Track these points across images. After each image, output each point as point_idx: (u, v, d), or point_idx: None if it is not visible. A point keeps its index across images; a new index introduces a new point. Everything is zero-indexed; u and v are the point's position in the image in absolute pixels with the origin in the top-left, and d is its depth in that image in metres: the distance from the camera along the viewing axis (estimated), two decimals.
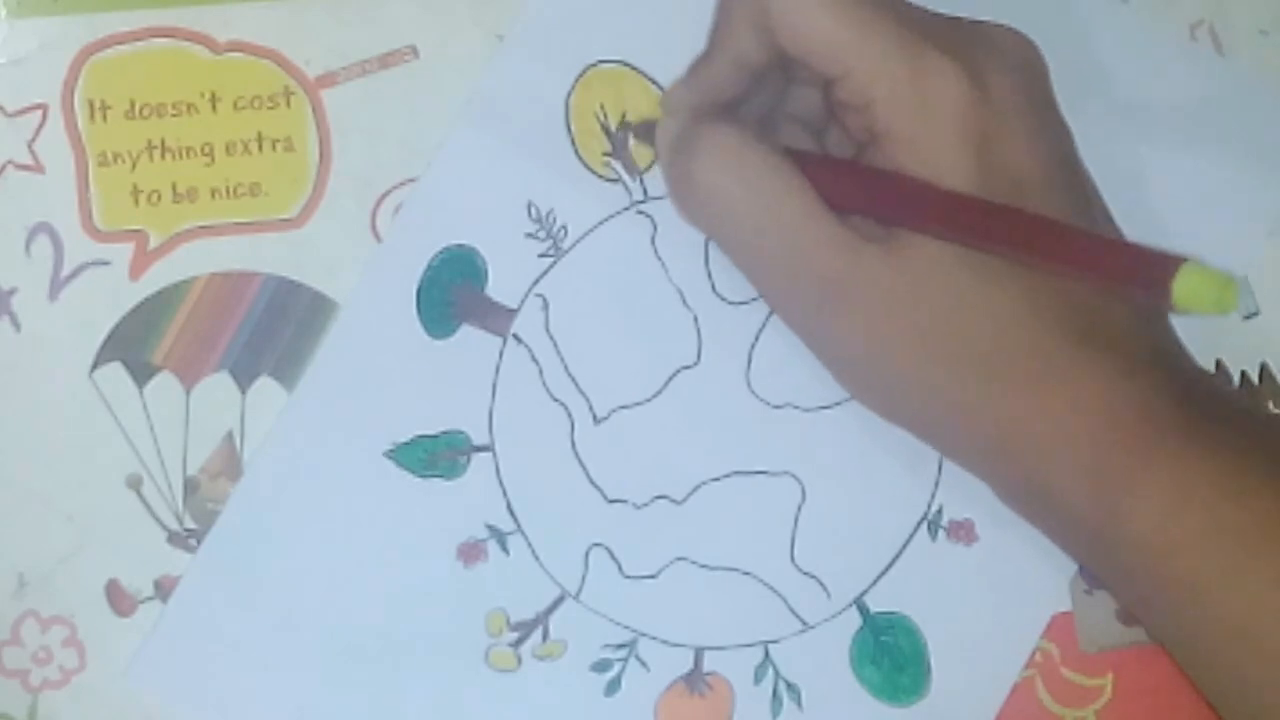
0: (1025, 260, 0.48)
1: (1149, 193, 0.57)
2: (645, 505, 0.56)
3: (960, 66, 0.49)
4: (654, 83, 0.57)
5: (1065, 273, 0.47)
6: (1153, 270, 0.42)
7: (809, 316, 0.52)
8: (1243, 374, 0.57)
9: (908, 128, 0.49)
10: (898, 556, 0.56)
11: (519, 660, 0.55)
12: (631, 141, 0.57)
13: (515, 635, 0.55)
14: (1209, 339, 0.57)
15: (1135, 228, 0.56)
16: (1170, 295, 0.42)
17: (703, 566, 0.56)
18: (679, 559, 0.56)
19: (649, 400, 0.56)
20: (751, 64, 0.52)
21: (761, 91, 0.53)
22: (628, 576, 0.56)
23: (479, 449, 0.56)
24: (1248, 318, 0.58)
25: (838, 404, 0.56)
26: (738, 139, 0.51)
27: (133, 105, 0.56)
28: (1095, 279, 0.46)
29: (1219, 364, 0.57)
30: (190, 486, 0.55)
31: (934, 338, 0.49)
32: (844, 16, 0.49)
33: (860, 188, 0.51)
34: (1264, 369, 0.58)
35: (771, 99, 0.54)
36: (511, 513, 0.55)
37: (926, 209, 0.49)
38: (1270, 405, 0.57)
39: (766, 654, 0.56)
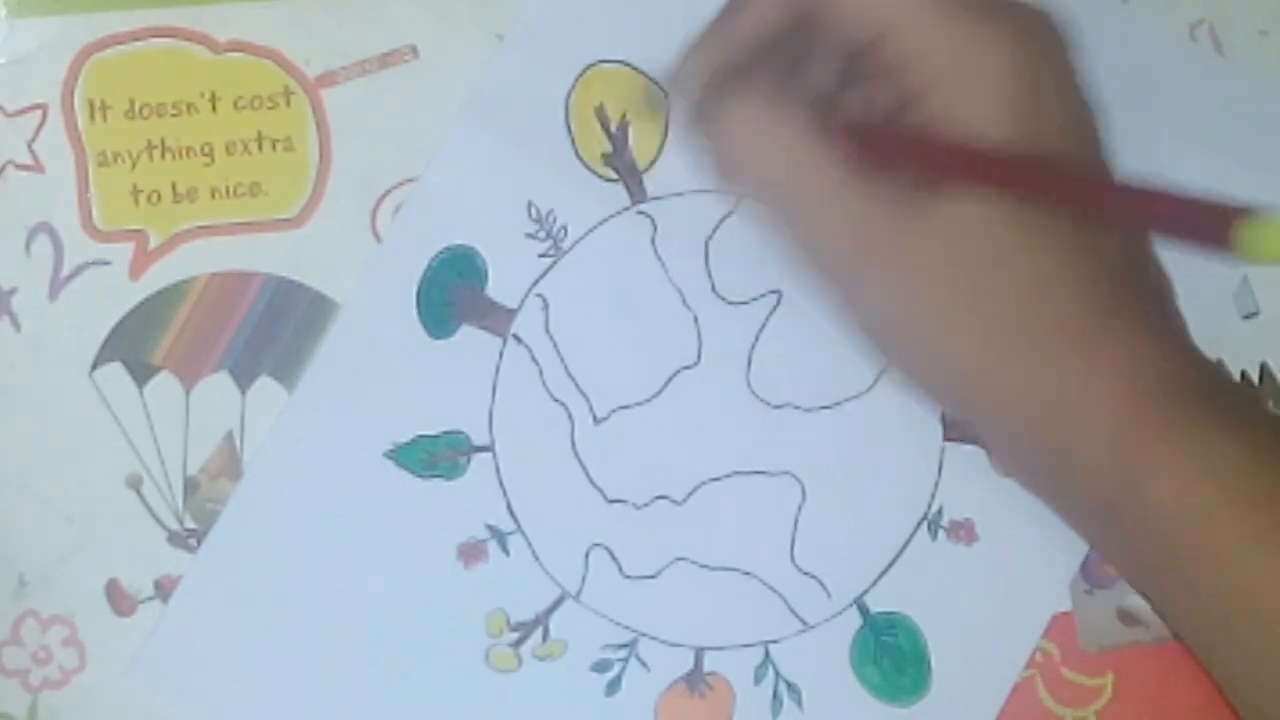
0: (1085, 210, 0.48)
1: None
2: (645, 505, 0.56)
3: (998, 33, 0.49)
4: (654, 83, 0.57)
5: (1127, 224, 0.47)
6: (1217, 219, 0.42)
7: (843, 274, 0.51)
8: (1243, 374, 0.57)
9: (944, 90, 0.49)
10: (898, 556, 0.56)
11: (519, 660, 0.55)
12: (631, 138, 0.57)
13: (515, 635, 0.55)
14: (1209, 339, 0.57)
15: None
16: (1234, 242, 0.41)
17: (703, 566, 0.56)
18: (679, 559, 0.56)
19: (649, 400, 0.56)
20: (773, 25, 0.52)
21: (777, 58, 0.53)
22: (628, 577, 0.56)
23: (479, 449, 0.56)
24: (1247, 317, 0.58)
25: (838, 404, 0.56)
26: (768, 107, 0.51)
27: (133, 105, 0.56)
28: (1158, 230, 0.46)
29: (1219, 364, 0.57)
30: (190, 486, 0.55)
31: (967, 297, 0.49)
32: None
33: (905, 147, 0.51)
34: (1264, 369, 0.58)
35: (786, 66, 0.53)
36: (512, 513, 0.55)
37: (978, 163, 0.49)
38: (1271, 405, 0.57)
39: (767, 654, 0.56)
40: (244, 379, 0.56)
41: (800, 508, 0.56)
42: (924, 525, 0.56)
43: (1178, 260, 0.57)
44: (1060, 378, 0.49)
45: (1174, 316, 0.52)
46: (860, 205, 0.50)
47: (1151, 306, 0.50)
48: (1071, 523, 0.52)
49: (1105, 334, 0.49)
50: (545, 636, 0.55)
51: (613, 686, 0.55)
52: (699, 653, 0.56)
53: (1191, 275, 0.57)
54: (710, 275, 0.56)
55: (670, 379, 0.56)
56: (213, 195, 0.56)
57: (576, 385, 0.56)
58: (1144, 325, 0.49)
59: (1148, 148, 0.57)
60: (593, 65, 0.57)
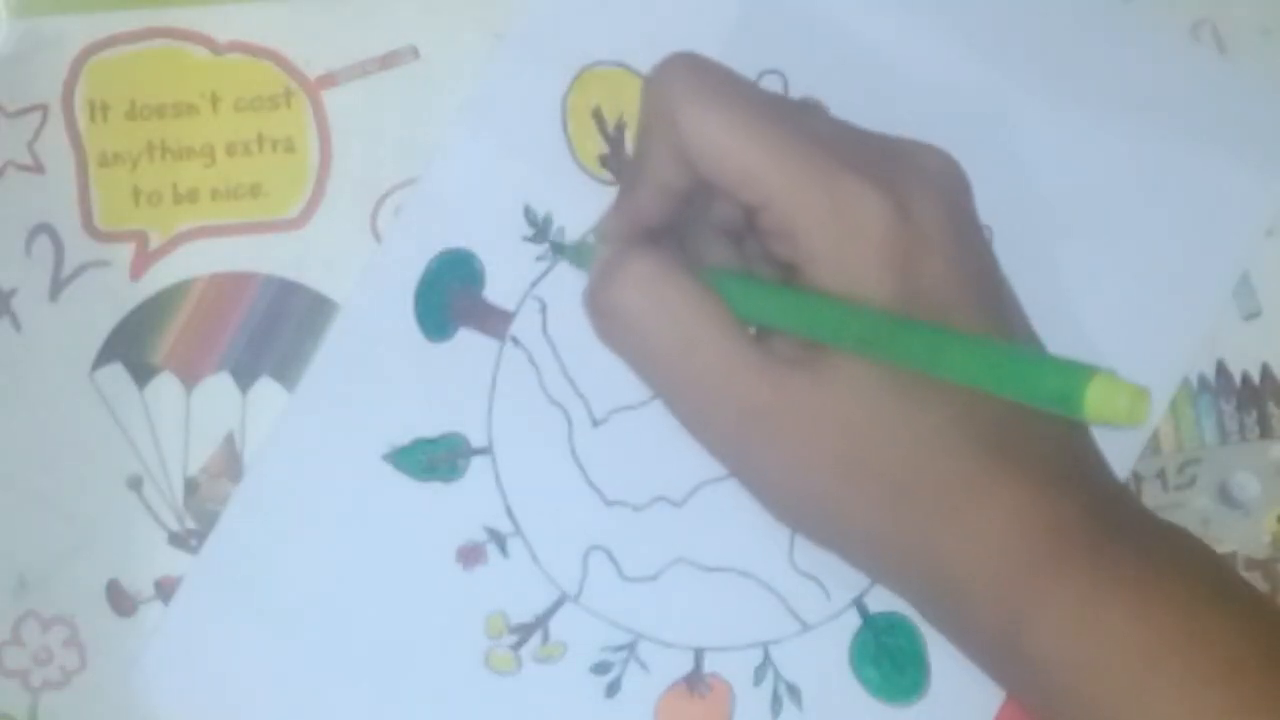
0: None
1: (1150, 192, 0.57)
2: (644, 507, 0.56)
3: (881, 190, 0.48)
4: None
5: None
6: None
7: (729, 443, 0.51)
8: (1244, 375, 0.57)
9: (830, 255, 0.48)
10: None
11: (519, 663, 0.55)
12: (628, 140, 0.57)
13: (515, 638, 0.55)
14: (1210, 339, 0.57)
15: (1134, 227, 0.57)
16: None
17: (702, 568, 0.56)
18: (678, 560, 0.56)
19: (647, 402, 0.56)
20: (675, 190, 0.51)
21: (690, 209, 0.52)
22: (627, 578, 0.56)
23: (478, 452, 0.56)
24: (1249, 318, 0.58)
25: None
26: (658, 267, 0.50)
27: (133, 105, 0.56)
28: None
29: (1220, 365, 0.57)
30: (190, 487, 0.55)
31: (854, 460, 0.49)
32: (760, 146, 0.49)
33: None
34: (1264, 369, 0.57)
35: (698, 213, 0.53)
36: (510, 515, 0.55)
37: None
38: (1271, 406, 0.57)
39: (766, 655, 0.56)
40: (245, 379, 0.56)
41: None
42: None
43: (1176, 258, 0.57)
44: (943, 532, 0.49)
45: (1077, 456, 0.51)
46: (744, 374, 0.49)
47: (1048, 449, 0.49)
48: (980, 668, 0.52)
49: (988, 484, 0.48)
50: (545, 638, 0.55)
51: (613, 688, 0.55)
52: (699, 654, 0.56)
53: (1192, 274, 0.57)
54: None
55: None
56: (213, 196, 0.56)
57: (575, 387, 0.56)
58: (1035, 473, 0.49)
59: (1148, 147, 0.57)
60: (589, 66, 0.57)
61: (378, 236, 0.56)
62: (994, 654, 0.50)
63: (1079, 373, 0.42)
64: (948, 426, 0.48)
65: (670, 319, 0.50)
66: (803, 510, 0.51)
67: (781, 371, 0.49)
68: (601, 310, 0.51)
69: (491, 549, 0.55)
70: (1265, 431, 0.57)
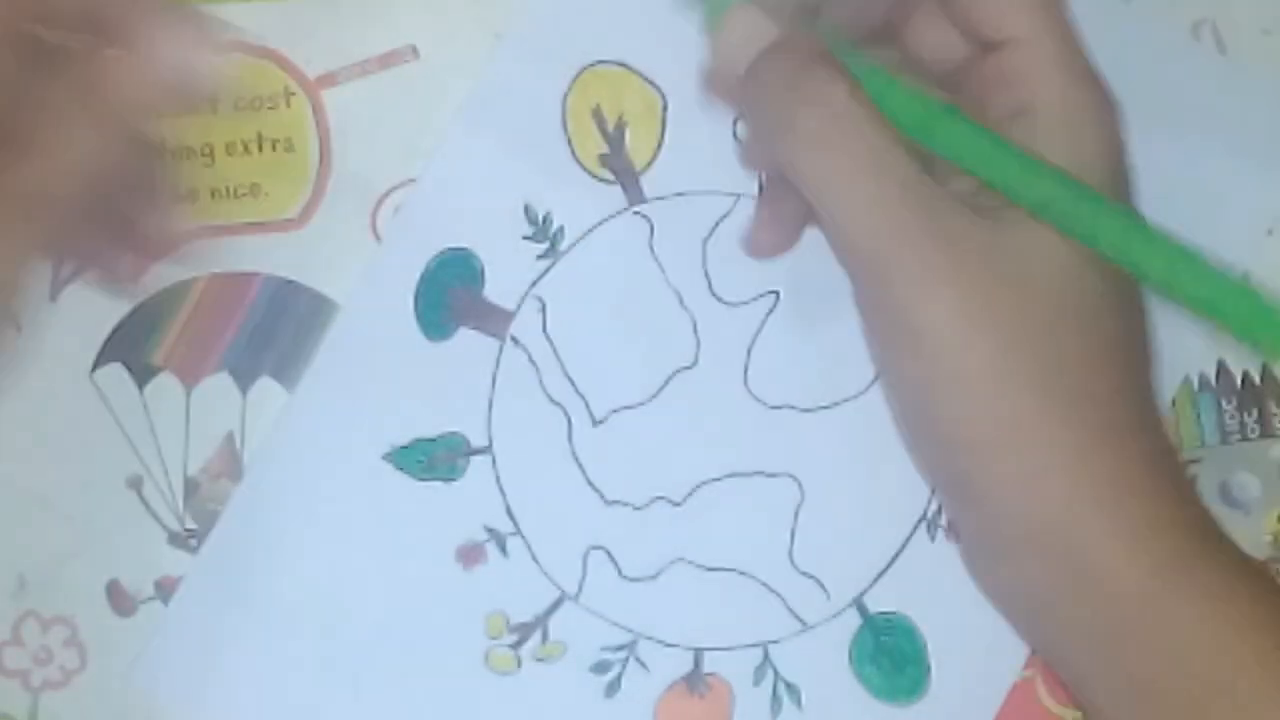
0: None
1: (1149, 192, 0.57)
2: (644, 507, 0.56)
3: (1110, 101, 0.50)
4: (650, 84, 0.57)
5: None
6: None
7: (901, 289, 0.47)
8: (1245, 374, 0.57)
9: (1059, 111, 0.48)
10: (897, 556, 0.56)
11: (518, 662, 0.55)
12: (628, 139, 0.57)
13: (514, 637, 0.55)
14: (1210, 339, 0.57)
15: None
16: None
17: (702, 567, 0.56)
18: (678, 560, 0.56)
19: (647, 402, 0.56)
20: None
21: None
22: (627, 578, 0.56)
23: (477, 451, 0.56)
24: None
25: (836, 404, 0.56)
26: (847, 101, 0.47)
27: None
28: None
29: (1221, 365, 0.57)
30: (191, 487, 0.55)
31: (1031, 328, 0.46)
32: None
33: None
34: (1265, 369, 0.57)
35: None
36: (510, 515, 0.56)
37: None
38: (1272, 406, 0.57)
39: (766, 655, 0.56)
40: (244, 379, 0.56)
41: (799, 508, 0.56)
42: (923, 525, 0.56)
43: None
44: (1107, 451, 0.47)
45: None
46: (925, 215, 0.47)
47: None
48: (1040, 628, 0.51)
49: (1151, 425, 0.48)
50: (544, 638, 0.55)
51: (612, 688, 0.55)
52: (698, 653, 0.56)
53: None
54: (708, 276, 0.56)
55: (668, 380, 0.56)
56: (213, 196, 0.56)
57: (574, 387, 0.56)
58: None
59: (1148, 147, 0.57)
60: (589, 66, 0.57)
61: (377, 236, 0.56)
62: (1108, 625, 0.48)
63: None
64: (1128, 337, 0.48)
65: (863, 143, 0.47)
66: (952, 379, 0.47)
67: (970, 217, 0.47)
68: (784, 135, 0.48)
69: (491, 549, 0.55)
70: (1266, 431, 0.57)
